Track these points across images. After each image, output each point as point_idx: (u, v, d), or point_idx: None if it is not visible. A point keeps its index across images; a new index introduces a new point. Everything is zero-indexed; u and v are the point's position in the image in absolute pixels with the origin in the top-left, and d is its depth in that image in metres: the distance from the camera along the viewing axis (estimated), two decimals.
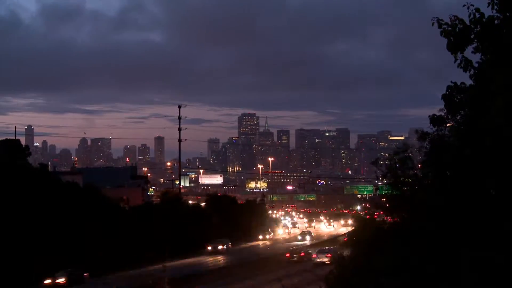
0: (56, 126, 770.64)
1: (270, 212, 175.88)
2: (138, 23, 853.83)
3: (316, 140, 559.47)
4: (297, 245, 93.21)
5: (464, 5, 12.78)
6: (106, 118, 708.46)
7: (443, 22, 13.00)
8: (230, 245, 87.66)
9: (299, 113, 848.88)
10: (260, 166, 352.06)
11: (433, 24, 13.04)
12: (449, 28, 12.93)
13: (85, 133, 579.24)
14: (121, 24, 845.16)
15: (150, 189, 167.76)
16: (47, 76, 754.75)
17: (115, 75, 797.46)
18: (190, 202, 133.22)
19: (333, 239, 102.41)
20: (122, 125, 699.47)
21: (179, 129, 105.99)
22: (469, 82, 13.88)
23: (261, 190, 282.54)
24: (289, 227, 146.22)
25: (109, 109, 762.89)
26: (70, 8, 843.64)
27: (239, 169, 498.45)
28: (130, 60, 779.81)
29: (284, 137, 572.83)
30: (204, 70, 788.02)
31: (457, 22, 12.87)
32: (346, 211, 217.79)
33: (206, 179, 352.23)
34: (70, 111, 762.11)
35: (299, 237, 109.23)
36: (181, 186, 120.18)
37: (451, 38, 12.91)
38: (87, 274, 58.27)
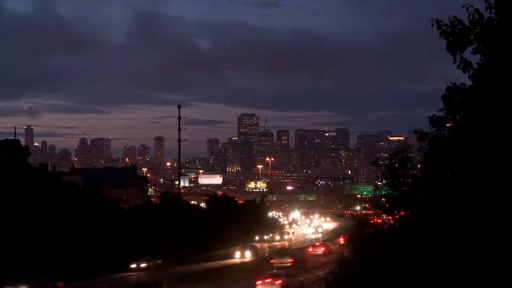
0: (71, 127, 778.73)
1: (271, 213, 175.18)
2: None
3: (316, 140, 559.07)
4: None
5: (463, 6, 12.80)
6: (121, 119, 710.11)
7: (442, 23, 13.02)
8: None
9: (312, 113, 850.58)
10: (259, 166, 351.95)
11: (432, 25, 13.05)
12: (449, 29, 12.94)
13: (85, 133, 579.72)
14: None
15: (150, 189, 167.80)
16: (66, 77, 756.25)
17: (132, 77, 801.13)
18: (195, 202, 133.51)
19: None
20: (136, 125, 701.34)
21: (179, 129, 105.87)
22: (468, 82, 13.91)
23: (261, 190, 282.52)
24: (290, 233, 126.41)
25: (125, 110, 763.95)
26: None
27: (238, 169, 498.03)
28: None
29: (283, 137, 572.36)
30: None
31: (456, 23, 12.89)
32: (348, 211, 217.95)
33: (206, 179, 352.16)
34: (87, 112, 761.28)
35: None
36: (180, 186, 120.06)
37: (451, 39, 12.93)
38: (62, 283, 51.43)
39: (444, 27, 12.99)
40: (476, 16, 12.71)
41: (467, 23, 12.87)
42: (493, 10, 12.71)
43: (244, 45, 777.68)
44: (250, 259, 75.48)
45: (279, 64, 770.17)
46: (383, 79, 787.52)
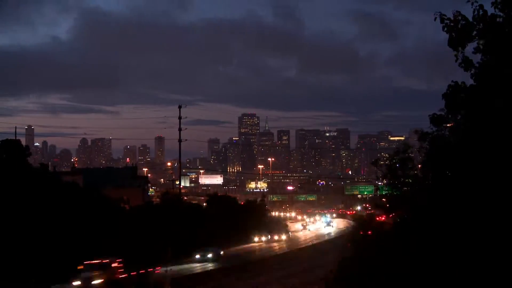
0: (74, 127, 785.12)
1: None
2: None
3: (317, 140, 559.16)
4: None
5: (468, 1, 12.70)
6: (128, 119, 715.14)
7: (445, 18, 12.92)
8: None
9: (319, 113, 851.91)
10: (260, 166, 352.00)
11: (435, 19, 12.95)
12: (451, 24, 12.84)
13: (85, 133, 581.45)
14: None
15: (151, 189, 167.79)
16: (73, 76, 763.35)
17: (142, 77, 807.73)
18: (195, 202, 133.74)
19: None
20: (142, 125, 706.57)
21: (179, 129, 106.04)
22: (469, 81, 13.83)
23: (261, 190, 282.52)
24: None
25: (131, 110, 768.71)
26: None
27: (239, 169, 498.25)
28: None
29: (284, 137, 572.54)
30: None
31: (459, 18, 12.79)
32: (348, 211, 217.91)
33: (207, 179, 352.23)
34: (93, 111, 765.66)
35: None
36: (181, 186, 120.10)
37: (453, 33, 12.85)
38: None
39: (447, 21, 12.89)
40: (481, 12, 12.61)
41: (471, 19, 12.78)
42: (499, 6, 12.61)
43: None
44: None
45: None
46: None
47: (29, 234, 57.57)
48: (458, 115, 15.08)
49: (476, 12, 12.62)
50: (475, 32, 12.76)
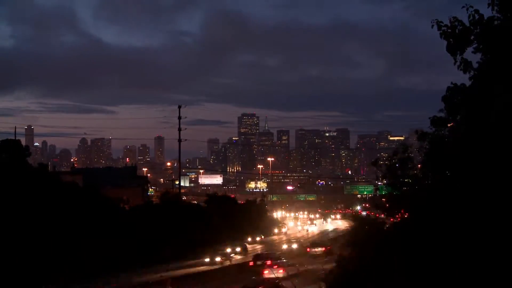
0: (75, 127, 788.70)
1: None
2: None
3: (316, 140, 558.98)
4: None
5: (463, 7, 12.75)
6: (126, 119, 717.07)
7: (442, 24, 12.96)
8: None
9: (321, 113, 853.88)
10: (260, 166, 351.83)
11: (432, 26, 12.99)
12: (449, 30, 12.88)
13: (85, 133, 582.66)
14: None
15: (150, 189, 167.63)
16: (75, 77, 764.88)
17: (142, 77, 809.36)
18: (196, 202, 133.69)
19: None
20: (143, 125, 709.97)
21: (179, 129, 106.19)
22: (468, 83, 13.86)
23: (261, 190, 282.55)
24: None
25: (132, 110, 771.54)
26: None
27: (239, 169, 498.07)
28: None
29: (284, 137, 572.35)
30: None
31: (456, 23, 12.83)
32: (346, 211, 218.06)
33: (206, 179, 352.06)
34: (95, 112, 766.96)
35: None
36: (181, 186, 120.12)
37: (451, 40, 12.89)
38: None
39: (444, 28, 12.92)
40: (476, 16, 12.65)
41: (467, 23, 12.81)
42: (496, 8, 12.63)
43: None
44: None
45: None
46: None
47: (29, 234, 57.57)
48: (458, 115, 15.12)
49: (471, 17, 12.64)
50: (473, 37, 12.79)
